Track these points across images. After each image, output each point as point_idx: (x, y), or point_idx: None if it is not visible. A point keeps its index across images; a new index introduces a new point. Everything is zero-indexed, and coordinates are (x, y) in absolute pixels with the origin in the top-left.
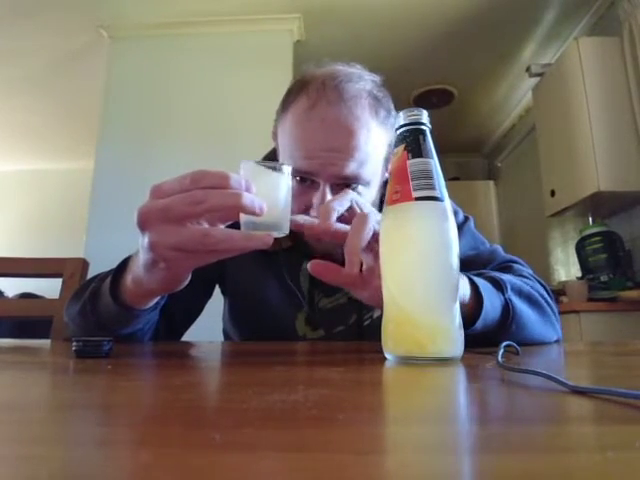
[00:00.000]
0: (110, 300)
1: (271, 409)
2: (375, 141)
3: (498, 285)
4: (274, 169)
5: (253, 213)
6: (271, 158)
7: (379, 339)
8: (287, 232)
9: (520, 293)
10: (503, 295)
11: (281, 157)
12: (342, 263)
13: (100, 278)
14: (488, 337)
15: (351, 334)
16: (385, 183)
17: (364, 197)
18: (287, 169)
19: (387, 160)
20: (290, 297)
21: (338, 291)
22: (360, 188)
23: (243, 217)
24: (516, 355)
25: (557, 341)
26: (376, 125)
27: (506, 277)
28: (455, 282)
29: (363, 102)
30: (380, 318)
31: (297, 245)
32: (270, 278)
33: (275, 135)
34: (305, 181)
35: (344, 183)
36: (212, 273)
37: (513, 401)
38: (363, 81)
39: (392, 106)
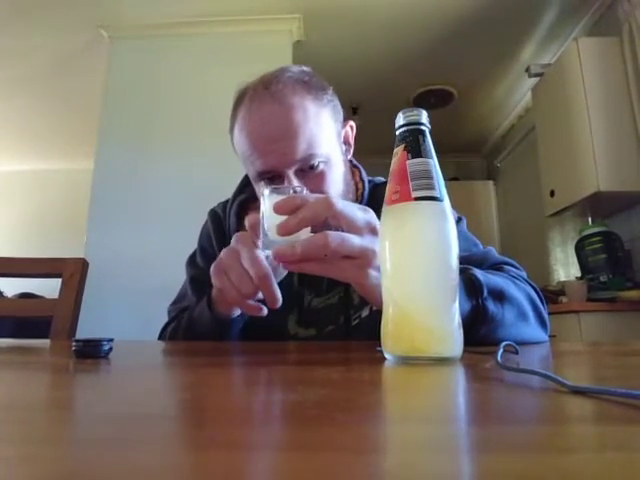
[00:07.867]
0: (207, 311)
1: (271, 409)
2: (315, 117)
3: (473, 289)
4: (291, 190)
5: None
6: (247, 182)
7: (367, 338)
8: None
9: (500, 297)
10: (477, 299)
11: (246, 170)
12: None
13: (191, 308)
14: None
15: (340, 333)
16: (351, 163)
17: (330, 176)
18: (304, 189)
19: (340, 135)
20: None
21: (330, 291)
22: (322, 166)
23: (262, 240)
24: (515, 355)
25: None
26: (311, 101)
27: (489, 279)
28: (454, 282)
29: (291, 89)
30: (368, 318)
31: None
32: None
33: (236, 153)
34: (273, 180)
35: (306, 166)
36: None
37: (512, 401)
38: (289, 72)
39: (325, 83)
